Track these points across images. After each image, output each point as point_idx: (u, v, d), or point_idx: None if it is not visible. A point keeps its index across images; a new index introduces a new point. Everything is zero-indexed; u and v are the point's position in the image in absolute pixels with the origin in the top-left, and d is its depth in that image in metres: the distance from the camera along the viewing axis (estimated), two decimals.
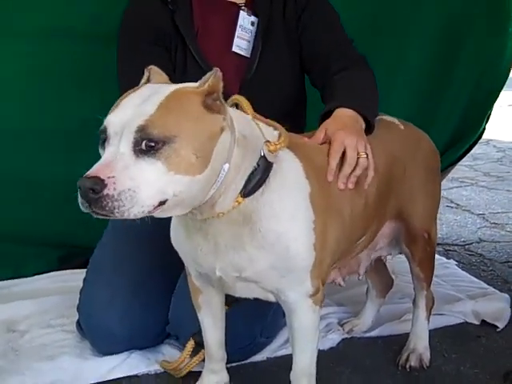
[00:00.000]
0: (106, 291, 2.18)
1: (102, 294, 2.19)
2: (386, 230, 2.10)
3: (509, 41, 3.34)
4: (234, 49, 2.18)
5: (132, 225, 2.27)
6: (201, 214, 1.57)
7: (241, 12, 2.21)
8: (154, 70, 1.58)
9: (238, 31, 2.19)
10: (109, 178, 1.37)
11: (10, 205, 2.95)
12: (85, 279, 2.31)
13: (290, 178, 1.65)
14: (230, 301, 1.96)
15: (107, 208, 1.38)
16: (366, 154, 1.79)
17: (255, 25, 2.21)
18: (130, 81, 2.06)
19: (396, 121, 2.11)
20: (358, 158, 1.77)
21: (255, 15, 2.22)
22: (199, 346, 2.04)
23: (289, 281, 1.69)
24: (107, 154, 1.41)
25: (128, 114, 1.42)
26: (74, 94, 2.87)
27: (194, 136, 1.44)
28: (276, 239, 1.61)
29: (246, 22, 2.20)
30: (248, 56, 2.18)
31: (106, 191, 1.36)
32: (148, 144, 1.39)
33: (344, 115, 1.88)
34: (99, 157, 2.82)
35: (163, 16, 2.17)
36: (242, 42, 2.19)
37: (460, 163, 4.75)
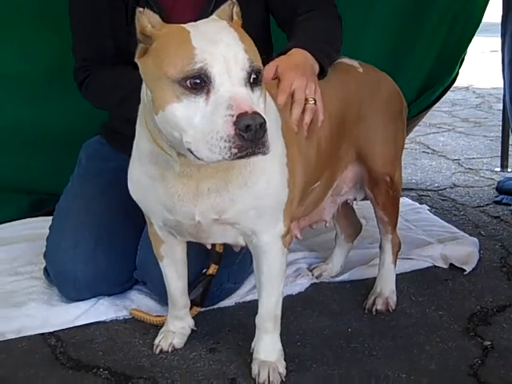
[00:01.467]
0: (70, 236, 2.18)
1: (67, 239, 2.18)
2: (348, 174, 2.10)
3: None
4: None
5: (98, 171, 2.31)
6: None
7: None
8: (147, 12, 1.49)
9: None
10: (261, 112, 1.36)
11: None
12: (51, 225, 2.31)
13: (270, 110, 1.65)
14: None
15: (266, 143, 1.36)
16: (314, 100, 1.76)
17: None
18: (82, 18, 2.12)
19: (356, 64, 2.08)
20: (305, 103, 1.75)
21: None
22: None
23: (264, 221, 1.70)
24: (230, 91, 1.36)
25: (224, 52, 1.38)
26: (41, 37, 2.81)
27: None
28: (261, 174, 1.62)
29: None
30: None
31: (266, 126, 1.35)
32: (253, 76, 1.40)
33: (298, 55, 1.84)
34: (67, 103, 2.81)
35: None
36: None
37: (438, 109, 4.77)
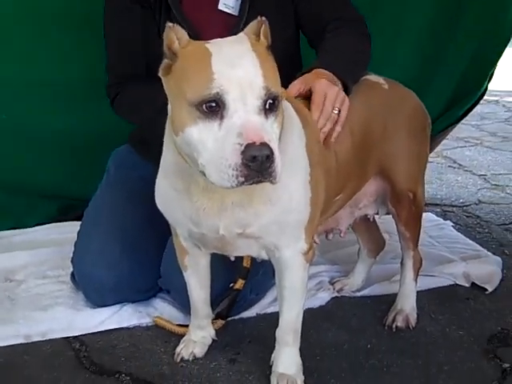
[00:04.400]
0: (96, 242, 2.23)
1: (93, 245, 2.23)
2: (369, 188, 2.11)
3: None
4: (221, 7, 2.15)
5: (125, 180, 2.36)
6: None
7: None
8: (176, 28, 1.51)
9: None
10: (269, 142, 1.38)
11: (11, 156, 2.99)
12: (79, 231, 2.36)
13: (294, 127, 1.68)
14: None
15: (274, 174, 1.39)
16: (339, 110, 1.79)
17: None
18: (116, 36, 2.19)
19: (381, 80, 2.10)
20: None
21: None
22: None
23: (287, 237, 1.73)
24: (242, 119, 1.38)
25: (241, 78, 1.40)
26: (73, 44, 2.88)
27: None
28: (284, 190, 1.63)
29: None
30: (236, 14, 2.15)
31: (274, 157, 1.37)
32: (269, 102, 1.42)
33: (322, 73, 1.87)
34: (97, 111, 2.86)
35: None
36: (228, 0, 2.16)
37: (466, 122, 4.74)
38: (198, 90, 1.41)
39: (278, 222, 1.68)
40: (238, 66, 1.42)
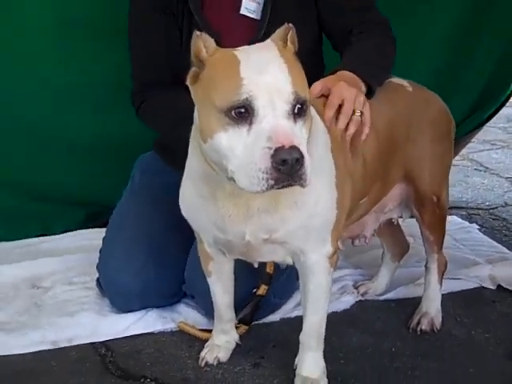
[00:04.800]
0: (122, 249, 2.25)
1: (119, 251, 2.26)
2: (394, 192, 2.11)
3: None
4: (243, 11, 2.16)
5: (150, 186, 2.38)
6: None
7: None
8: (204, 36, 1.52)
9: None
10: (299, 145, 1.39)
11: (38, 163, 3.02)
12: (104, 238, 2.38)
13: (319, 130, 1.68)
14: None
15: (304, 177, 1.40)
16: (361, 112, 1.77)
17: None
18: (141, 45, 2.22)
19: (405, 83, 2.10)
20: (352, 115, 1.76)
21: None
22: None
23: (313, 241, 1.73)
24: (271, 123, 1.39)
25: (270, 84, 1.41)
26: (100, 49, 2.88)
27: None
28: (309, 194, 1.63)
29: None
30: (258, 18, 2.16)
31: (304, 160, 1.39)
32: (298, 107, 1.43)
33: (346, 75, 1.86)
34: (124, 117, 2.87)
35: None
36: (250, 4, 2.16)
37: (493, 125, 4.69)
38: (226, 97, 1.42)
39: (305, 227, 1.69)
40: (266, 72, 1.43)
